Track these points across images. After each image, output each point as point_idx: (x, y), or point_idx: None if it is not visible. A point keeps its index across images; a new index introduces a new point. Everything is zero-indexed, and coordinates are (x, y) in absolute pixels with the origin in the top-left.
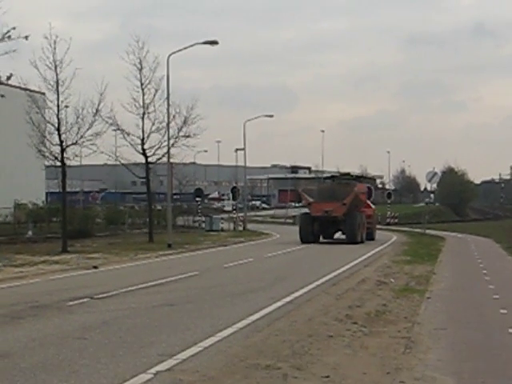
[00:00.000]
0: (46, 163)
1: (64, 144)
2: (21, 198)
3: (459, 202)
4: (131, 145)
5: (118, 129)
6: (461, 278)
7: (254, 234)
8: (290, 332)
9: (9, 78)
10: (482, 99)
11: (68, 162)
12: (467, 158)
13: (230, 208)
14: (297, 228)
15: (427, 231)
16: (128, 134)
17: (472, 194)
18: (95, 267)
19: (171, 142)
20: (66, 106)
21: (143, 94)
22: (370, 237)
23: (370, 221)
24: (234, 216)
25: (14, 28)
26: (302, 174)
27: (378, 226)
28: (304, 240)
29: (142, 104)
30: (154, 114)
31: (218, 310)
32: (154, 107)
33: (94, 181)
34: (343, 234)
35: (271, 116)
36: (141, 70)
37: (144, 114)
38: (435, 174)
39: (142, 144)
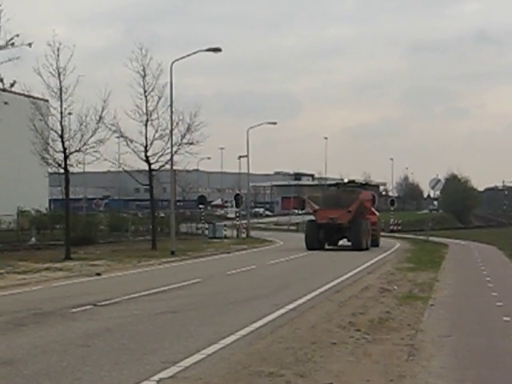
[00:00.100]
0: (50, 170)
1: (67, 151)
2: (24, 205)
3: (462, 209)
4: (134, 152)
5: (122, 136)
6: (464, 285)
7: (257, 241)
8: (293, 339)
9: (12, 85)
10: (485, 106)
11: (71, 169)
12: (470, 165)
13: (233, 215)
14: (300, 235)
15: (430, 238)
16: (131, 141)
17: (475, 201)
18: (98, 274)
19: (174, 149)
20: (70, 113)
21: (146, 101)
22: (375, 243)
23: (375, 228)
24: (237, 223)
25: (17, 35)
26: (305, 181)
27: (382, 234)
28: (310, 247)
29: (145, 111)
30: (157, 121)
31: (221, 317)
32: (157, 114)
33: (98, 188)
34: (349, 240)
35: (274, 123)
36: (144, 77)
37: (147, 121)
38: (438, 181)
39: (146, 151)
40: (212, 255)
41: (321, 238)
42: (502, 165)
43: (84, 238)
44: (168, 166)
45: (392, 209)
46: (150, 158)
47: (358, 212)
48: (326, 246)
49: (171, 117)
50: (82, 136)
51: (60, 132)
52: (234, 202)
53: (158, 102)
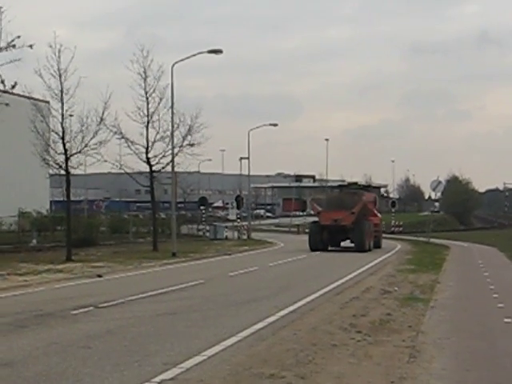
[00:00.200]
0: (51, 172)
1: (68, 153)
2: (25, 207)
3: (464, 210)
4: (135, 153)
5: (123, 137)
6: (465, 286)
7: (258, 243)
8: (294, 341)
9: (13, 86)
10: (486, 108)
11: (72, 171)
12: (471, 167)
13: (234, 217)
14: (301, 237)
15: (431, 240)
16: (132, 143)
17: (476, 202)
18: (99, 276)
19: (175, 150)
20: (71, 115)
21: (147, 103)
22: (377, 245)
23: (377, 229)
24: (238, 225)
25: (18, 37)
26: (306, 183)
27: (383, 235)
28: (313, 248)
29: (146, 113)
30: (158, 122)
31: (223, 319)
32: (158, 116)
33: (99, 189)
34: (352, 242)
35: (275, 125)
36: (145, 78)
37: (148, 122)
38: (439, 182)
39: (147, 153)
40: (213, 257)
41: (324, 239)
42: (502, 166)
43: (85, 239)
44: (169, 168)
45: (393, 210)
46: (151, 160)
47: (361, 214)
48: (329, 248)
49: (172, 118)
50: (83, 138)
51: (61, 133)
52: (234, 204)
53: (159, 104)
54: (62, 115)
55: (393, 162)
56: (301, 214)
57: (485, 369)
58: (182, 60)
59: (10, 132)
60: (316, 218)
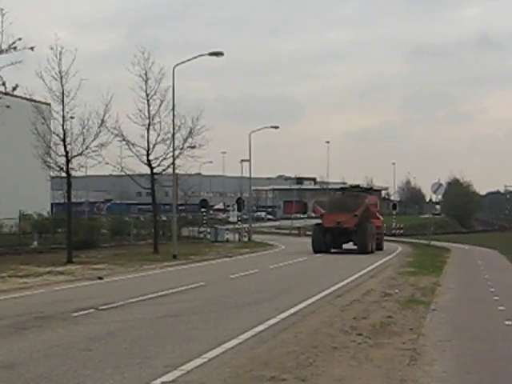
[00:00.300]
0: (52, 174)
1: (69, 155)
2: (26, 209)
3: (464, 213)
4: (136, 156)
5: (124, 140)
6: (466, 289)
7: (259, 245)
8: (295, 343)
9: (14, 88)
10: (486, 111)
11: (73, 173)
12: (472, 170)
13: (235, 219)
14: (302, 239)
15: (432, 242)
16: (133, 145)
17: (477, 205)
18: (100, 278)
19: (176, 152)
20: (72, 117)
21: (149, 105)
22: (379, 247)
23: (379, 231)
24: (239, 227)
25: (19, 39)
26: (307, 185)
27: (384, 237)
28: (316, 250)
29: (147, 115)
30: (159, 124)
31: (223, 322)
32: (159, 118)
33: (99, 191)
34: (355, 244)
35: (276, 127)
36: (146, 80)
37: (149, 124)
38: (440, 185)
39: (148, 155)
40: (214, 259)
41: (327, 241)
42: (503, 169)
43: (86, 241)
44: (170, 170)
45: (394, 213)
46: (152, 162)
47: (363, 216)
48: (332, 250)
49: (173, 121)
50: (84, 140)
51: (62, 136)
52: (235, 206)
53: (160, 106)
54: (63, 117)
55: (394, 164)
56: (302, 216)
57: (486, 371)
58: (183, 62)
59: (11, 134)
60: (319, 221)
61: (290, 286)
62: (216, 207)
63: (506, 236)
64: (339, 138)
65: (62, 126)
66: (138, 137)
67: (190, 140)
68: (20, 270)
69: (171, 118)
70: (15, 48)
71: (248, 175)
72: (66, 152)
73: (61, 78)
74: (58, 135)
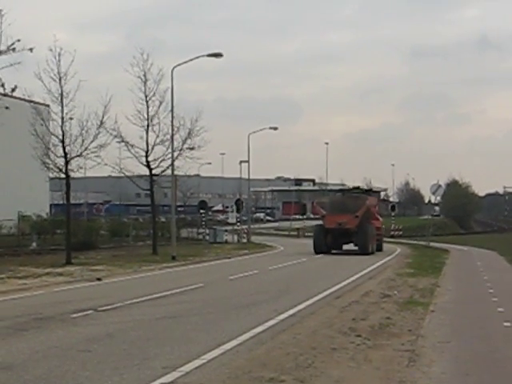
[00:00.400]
0: (51, 175)
1: (68, 156)
2: (25, 210)
3: (463, 214)
4: (135, 157)
5: (123, 141)
6: (465, 290)
7: (258, 247)
8: (294, 345)
9: (13, 90)
10: (486, 112)
11: (72, 174)
12: (471, 171)
13: (233, 220)
14: (301, 240)
15: (431, 244)
16: (132, 146)
17: (476, 206)
18: (99, 279)
19: (175, 154)
20: (71, 118)
21: (147, 106)
22: (379, 248)
23: (379, 232)
24: (238, 228)
25: (18, 40)
26: (306, 187)
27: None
28: (318, 250)
29: (146, 116)
30: (158, 126)
31: (222, 323)
32: (158, 119)
33: (98, 193)
34: (355, 245)
35: (275, 128)
36: (145, 82)
37: (148, 126)
38: (439, 186)
39: (146, 156)
40: (213, 260)
41: (328, 242)
42: (502, 170)
43: (85, 242)
44: (169, 171)
45: (393, 214)
46: (151, 163)
47: (364, 217)
48: (332, 251)
49: (172, 122)
50: (83, 141)
51: (61, 137)
52: (234, 207)
53: (159, 107)
54: (62, 118)
55: (393, 165)
56: (300, 217)
57: (485, 373)
58: (182, 63)
59: (10, 135)
60: (318, 222)
61: (289, 287)
62: (215, 208)
63: (504, 237)
64: (338, 139)
65: (61, 127)
66: (137, 138)
67: (188, 141)
68: (19, 271)
69: (170, 119)
70: (14, 49)
71: (247, 176)
72: (65, 153)
73: (60, 79)
74: (56, 136)
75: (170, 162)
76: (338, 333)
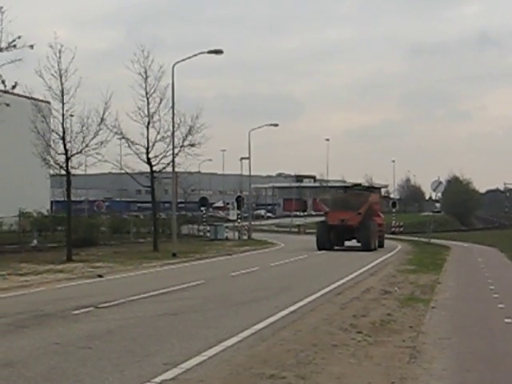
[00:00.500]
0: (51, 172)
1: (69, 153)
2: (26, 207)
3: (464, 211)
4: (136, 154)
5: (123, 138)
6: (466, 287)
7: (258, 243)
8: (295, 341)
9: (14, 86)
10: (486, 108)
11: (73, 171)
12: (472, 167)
13: (234, 217)
14: (302, 237)
15: (432, 240)
16: (133, 143)
17: (477, 203)
18: (100, 276)
19: (176, 150)
20: (71, 115)
21: (148, 103)
22: (380, 244)
23: (381, 229)
24: (239, 225)
25: (19, 37)
26: (306, 183)
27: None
28: (321, 247)
29: (146, 113)
30: (158, 122)
31: (223, 319)
32: (158, 116)
33: (99, 190)
34: (358, 241)
35: (276, 125)
36: (146, 79)
37: (149, 122)
38: (440, 183)
39: (147, 153)
40: (214, 257)
41: (332, 238)
42: (503, 167)
43: (86, 239)
44: (170, 168)
45: (394, 211)
46: (152, 160)
47: (367, 214)
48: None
49: (173, 119)
50: (84, 138)
51: (62, 134)
52: (235, 204)
53: (159, 104)
54: (63, 115)
55: (393, 162)
56: (301, 214)
57: (485, 369)
58: (182, 60)
59: (11, 132)
60: (320, 218)
61: (290, 283)
62: (216, 205)
63: (505, 234)
64: (339, 135)
65: (62, 124)
66: (138, 135)
67: (189, 138)
68: (20, 268)
69: (171, 115)
70: (15, 46)
71: (248, 173)
72: (66, 150)
73: (60, 76)
74: (57, 133)
75: (170, 158)
76: (338, 329)
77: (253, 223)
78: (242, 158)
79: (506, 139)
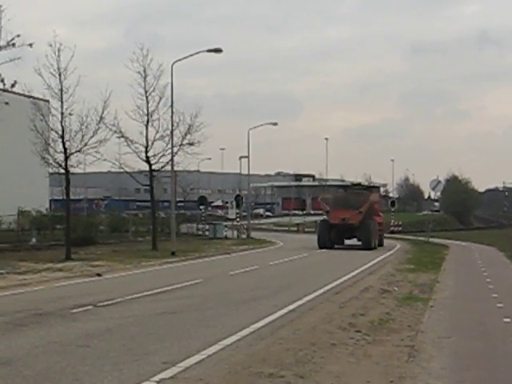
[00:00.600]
0: (50, 170)
1: (68, 151)
2: (24, 206)
3: (463, 210)
4: (135, 152)
5: (122, 136)
6: (464, 286)
7: (257, 242)
8: (294, 340)
9: (13, 85)
10: (485, 108)
11: (72, 170)
12: (471, 167)
13: (233, 216)
14: (301, 236)
15: (431, 239)
16: (132, 142)
17: (476, 202)
18: (99, 275)
19: (175, 149)
20: (70, 114)
21: (147, 102)
22: (380, 243)
23: (380, 228)
24: (238, 224)
25: (18, 35)
26: (305, 182)
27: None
28: (322, 245)
29: (146, 112)
30: (157, 121)
31: (222, 318)
32: (158, 115)
33: (98, 188)
34: (359, 240)
35: (275, 124)
36: (145, 77)
37: (148, 121)
38: (439, 182)
39: (146, 152)
40: (213, 256)
41: (332, 237)
42: (502, 166)
43: (84, 238)
44: (169, 167)
45: (392, 210)
46: (151, 159)
47: (367, 213)
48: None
49: (172, 117)
50: (83, 136)
51: (61, 132)
52: (234, 203)
53: (158, 103)
54: (62, 114)
55: (392, 161)
56: (300, 213)
57: (484, 368)
58: (181, 59)
59: (10, 131)
60: (320, 217)
61: (289, 282)
62: (215, 204)
63: (504, 233)
64: (338, 134)
65: (61, 122)
66: (137, 133)
67: (188, 137)
68: (18, 267)
69: (170, 114)
70: (14, 44)
71: (247, 172)
72: (65, 149)
73: (59, 74)
74: (56, 132)
75: (169, 157)
76: (337, 328)
77: (252, 222)
78: (241, 157)
79: (506, 138)
